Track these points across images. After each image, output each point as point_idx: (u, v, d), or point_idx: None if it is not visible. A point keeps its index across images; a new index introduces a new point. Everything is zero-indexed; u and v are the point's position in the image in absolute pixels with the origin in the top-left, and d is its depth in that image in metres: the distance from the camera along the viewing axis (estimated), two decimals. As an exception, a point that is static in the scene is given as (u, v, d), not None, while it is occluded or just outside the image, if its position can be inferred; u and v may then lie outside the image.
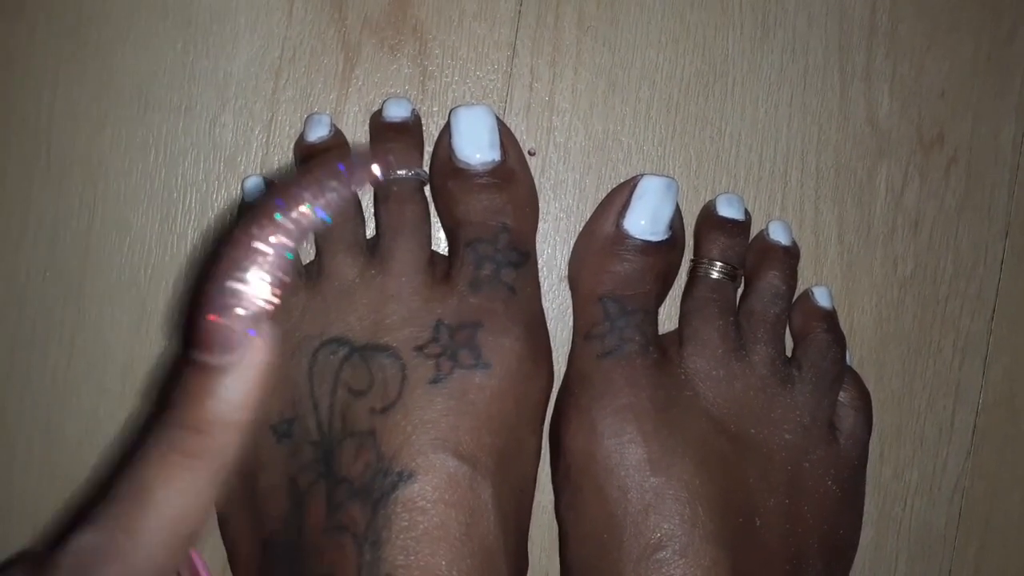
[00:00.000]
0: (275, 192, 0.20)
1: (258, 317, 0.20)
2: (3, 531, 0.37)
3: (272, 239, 0.20)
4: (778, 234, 0.37)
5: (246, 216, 0.21)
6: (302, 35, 0.37)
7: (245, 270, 0.20)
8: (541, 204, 0.37)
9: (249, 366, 0.20)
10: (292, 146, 0.37)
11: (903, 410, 0.39)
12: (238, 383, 0.20)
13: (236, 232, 0.20)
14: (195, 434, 0.20)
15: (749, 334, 0.35)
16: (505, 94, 0.37)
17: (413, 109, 0.36)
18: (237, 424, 0.21)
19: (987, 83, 0.39)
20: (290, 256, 0.20)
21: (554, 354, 0.36)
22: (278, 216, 0.20)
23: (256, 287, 0.20)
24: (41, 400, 0.37)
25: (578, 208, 0.38)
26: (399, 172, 0.34)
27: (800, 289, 0.37)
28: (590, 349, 0.34)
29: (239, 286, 0.19)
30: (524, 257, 0.34)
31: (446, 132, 0.35)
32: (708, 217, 0.37)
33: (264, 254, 0.20)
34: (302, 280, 0.34)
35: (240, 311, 0.19)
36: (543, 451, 0.35)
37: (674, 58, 0.38)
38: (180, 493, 0.20)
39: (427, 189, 0.36)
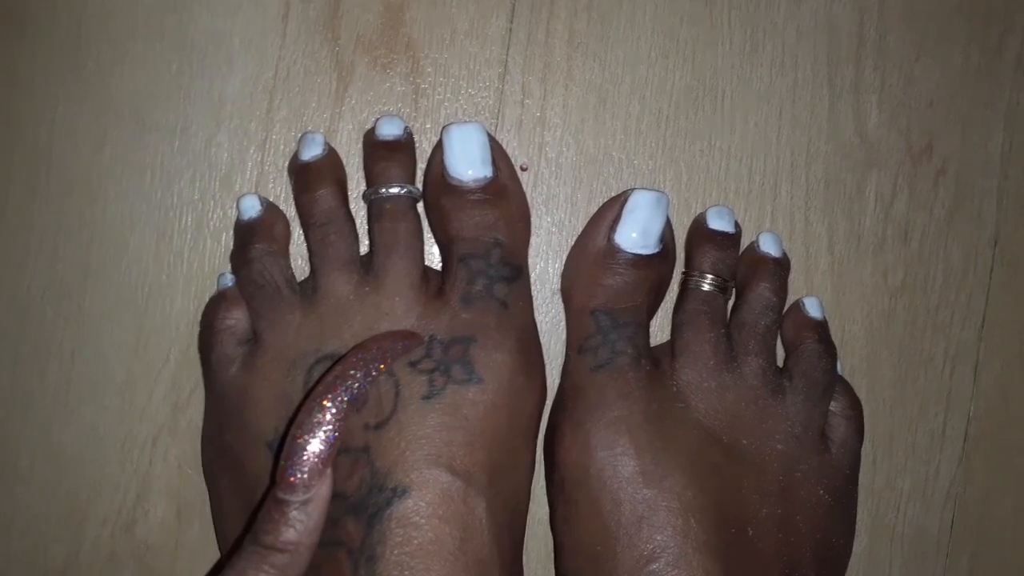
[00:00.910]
0: (333, 371, 0.28)
1: (323, 465, 0.27)
2: (4, 546, 0.38)
3: (330, 406, 0.27)
4: (768, 246, 0.37)
5: (315, 388, 0.28)
6: (295, 55, 0.37)
7: (312, 432, 0.27)
8: (533, 219, 0.37)
9: (319, 499, 0.27)
10: (286, 165, 0.37)
11: (895, 418, 0.39)
12: (312, 512, 0.27)
13: (306, 401, 0.27)
14: (279, 553, 0.26)
15: (740, 345, 0.36)
16: (497, 111, 0.38)
17: (406, 127, 0.37)
18: (311, 544, 0.27)
19: (976, 93, 0.40)
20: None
21: (547, 368, 0.36)
22: (338, 388, 0.28)
23: (321, 445, 0.27)
24: (42, 417, 0.38)
25: (570, 222, 0.38)
26: (392, 190, 0.35)
27: (791, 300, 0.38)
28: (583, 362, 0.35)
29: (309, 443, 0.26)
30: (517, 272, 0.35)
31: (438, 149, 0.35)
32: (699, 230, 0.37)
33: (325, 419, 0.27)
34: (297, 297, 0.35)
35: (309, 463, 0.26)
36: (537, 464, 0.36)
37: (664, 73, 0.38)
38: None
39: (420, 206, 0.36)
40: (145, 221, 0.37)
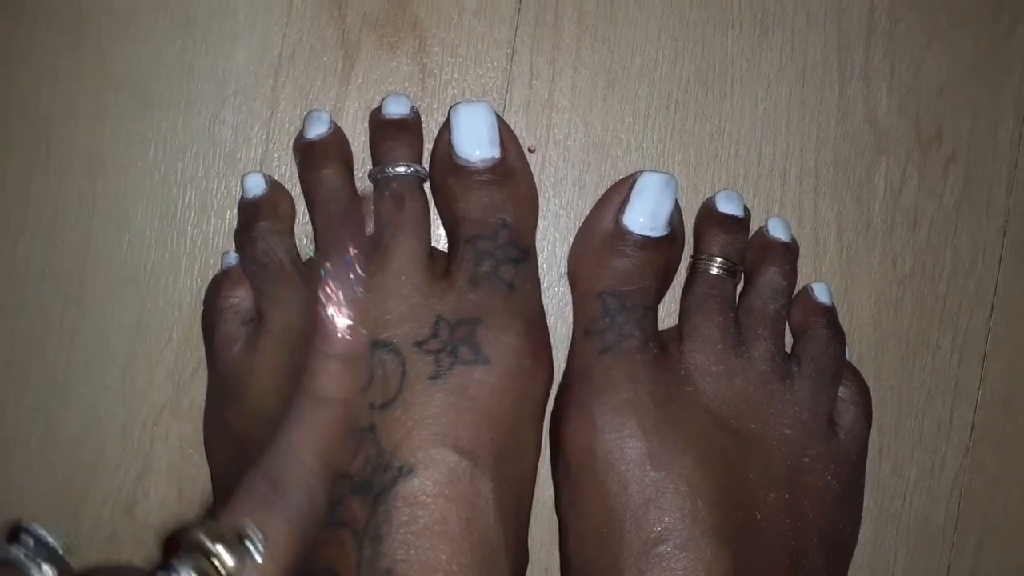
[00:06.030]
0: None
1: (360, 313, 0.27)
2: (2, 528, 0.37)
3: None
4: (777, 230, 0.37)
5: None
6: (301, 33, 0.37)
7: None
8: (541, 201, 0.37)
9: (364, 355, 0.28)
10: (291, 143, 0.37)
11: (902, 406, 0.39)
12: (357, 368, 0.27)
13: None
14: (334, 404, 0.26)
15: (749, 330, 0.35)
16: (505, 91, 0.38)
17: (412, 106, 0.36)
18: (352, 404, 0.27)
19: (986, 80, 0.39)
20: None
21: (554, 350, 0.36)
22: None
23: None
24: (41, 396, 0.37)
25: (578, 205, 0.38)
26: (398, 169, 0.35)
27: (800, 286, 0.37)
28: (590, 345, 0.34)
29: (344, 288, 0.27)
30: (524, 254, 0.34)
31: (446, 129, 0.35)
32: (708, 213, 0.37)
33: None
34: (303, 278, 0.34)
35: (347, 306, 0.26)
36: (543, 446, 0.35)
37: (673, 56, 0.38)
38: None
39: (427, 186, 0.36)
40: (148, 198, 0.37)
